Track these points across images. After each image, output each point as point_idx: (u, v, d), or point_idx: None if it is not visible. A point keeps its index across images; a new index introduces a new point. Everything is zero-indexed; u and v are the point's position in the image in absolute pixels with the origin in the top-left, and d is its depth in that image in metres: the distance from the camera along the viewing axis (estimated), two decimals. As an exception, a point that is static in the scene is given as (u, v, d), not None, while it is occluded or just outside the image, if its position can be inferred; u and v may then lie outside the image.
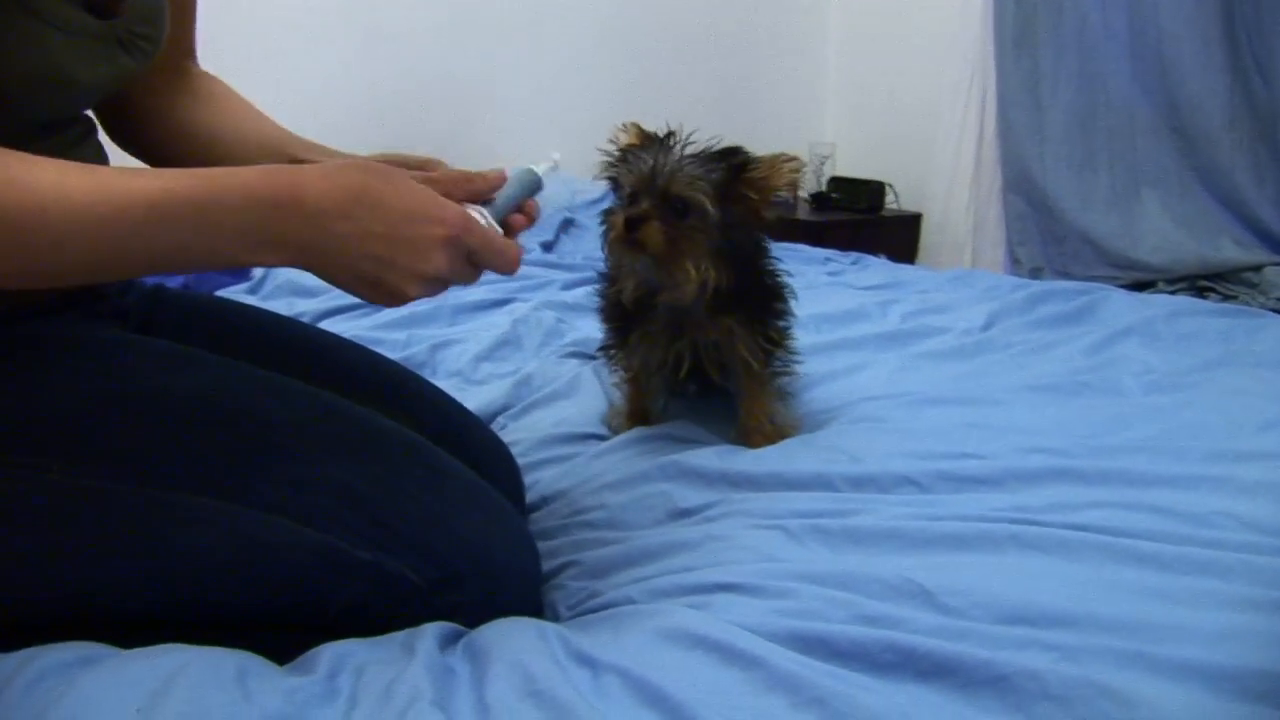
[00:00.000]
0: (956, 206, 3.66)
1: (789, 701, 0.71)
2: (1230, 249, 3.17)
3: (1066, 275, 3.32)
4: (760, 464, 1.22)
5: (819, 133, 4.34)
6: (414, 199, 0.81)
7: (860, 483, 1.15)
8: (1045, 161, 3.48)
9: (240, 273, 2.43)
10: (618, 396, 1.51)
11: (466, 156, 1.32)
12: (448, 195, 0.84)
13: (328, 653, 0.80)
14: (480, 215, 0.86)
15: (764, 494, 1.16)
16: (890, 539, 0.99)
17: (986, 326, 1.96)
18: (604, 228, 1.28)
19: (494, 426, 1.48)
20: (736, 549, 1.01)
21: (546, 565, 1.06)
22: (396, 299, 0.82)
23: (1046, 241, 3.52)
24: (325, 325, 2.01)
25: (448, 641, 0.84)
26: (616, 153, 1.30)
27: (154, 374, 0.90)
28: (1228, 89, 3.15)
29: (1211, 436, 1.26)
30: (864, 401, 1.48)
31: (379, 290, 0.82)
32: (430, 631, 0.84)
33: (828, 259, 2.84)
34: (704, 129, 1.28)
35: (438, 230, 0.80)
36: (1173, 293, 2.95)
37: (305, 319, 2.03)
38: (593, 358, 1.72)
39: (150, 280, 1.19)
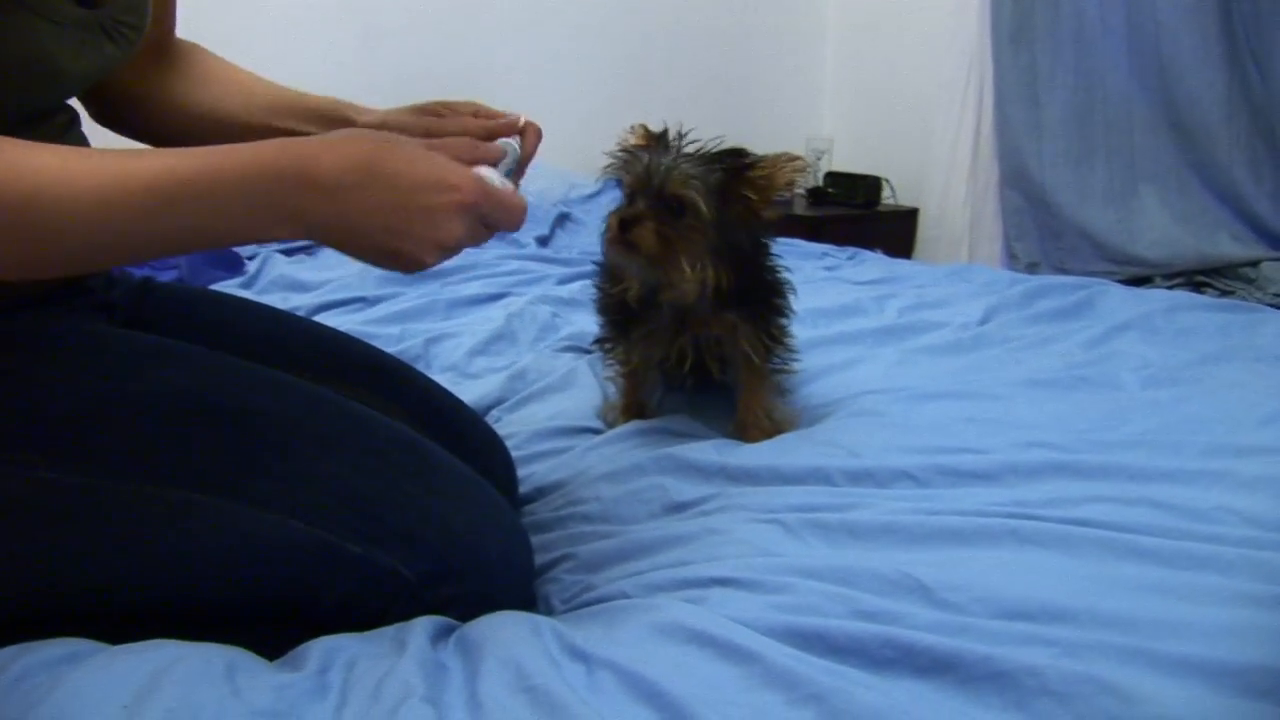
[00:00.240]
0: (953, 201, 3.66)
1: (785, 698, 0.70)
2: (1228, 244, 3.17)
3: (1063, 270, 3.32)
4: (757, 458, 1.22)
5: (816, 127, 4.34)
6: (426, 167, 0.80)
7: (858, 477, 1.14)
8: (1042, 156, 3.47)
9: (234, 266, 2.43)
10: (613, 390, 1.51)
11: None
12: (456, 159, 0.83)
13: (318, 648, 0.79)
14: (492, 176, 0.85)
15: (761, 488, 1.15)
16: (888, 534, 0.98)
17: (984, 321, 1.95)
18: (602, 228, 1.27)
19: (488, 420, 1.47)
20: (733, 543, 1.00)
21: (540, 558, 1.05)
22: (414, 267, 0.81)
23: (1044, 236, 3.51)
24: (319, 319, 2.00)
25: (439, 636, 0.83)
26: (621, 153, 1.29)
27: (142, 369, 0.89)
28: (1225, 84, 3.14)
29: (1210, 431, 1.26)
30: (861, 396, 1.48)
31: (397, 260, 0.81)
32: (422, 626, 0.83)
33: (824, 254, 2.83)
34: (701, 124, 1.27)
35: (453, 197, 0.79)
36: (1170, 288, 2.95)
37: (299, 313, 2.01)
38: (588, 351, 1.72)
39: (139, 273, 1.18)
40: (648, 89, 3.77)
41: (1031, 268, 3.43)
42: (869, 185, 3.90)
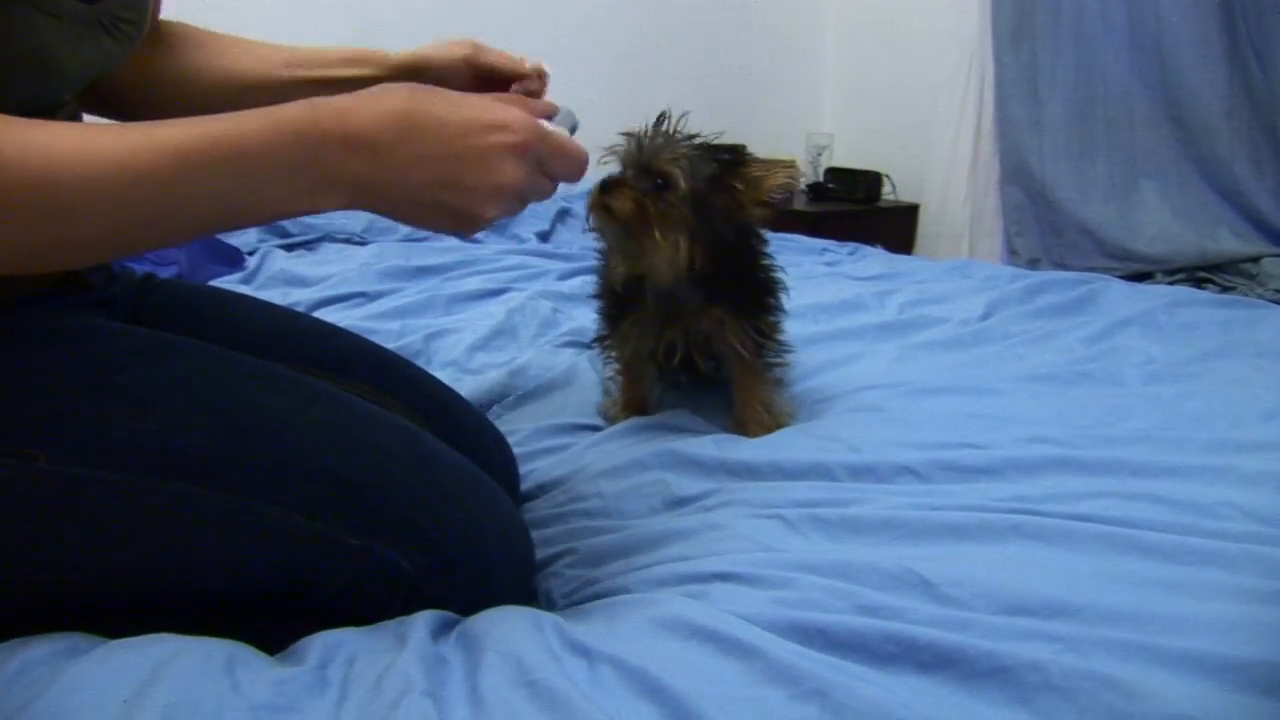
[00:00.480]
0: (954, 197, 3.66)
1: (788, 693, 0.70)
2: (1228, 240, 3.17)
3: (1064, 266, 3.32)
4: (758, 453, 1.21)
5: (817, 123, 4.34)
6: (470, 108, 0.75)
7: (859, 472, 1.14)
8: (1043, 152, 3.48)
9: (234, 262, 2.42)
10: (613, 387, 1.50)
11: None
12: None
13: (318, 642, 0.79)
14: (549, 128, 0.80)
15: (762, 483, 1.15)
16: (890, 529, 0.97)
17: (985, 317, 1.95)
18: (588, 195, 1.28)
19: (489, 415, 1.47)
20: (734, 538, 0.99)
21: (542, 553, 1.05)
22: (473, 223, 0.77)
23: (1044, 232, 3.52)
24: (319, 315, 1.98)
25: (440, 630, 0.83)
26: (621, 135, 1.29)
27: (140, 362, 0.88)
28: (1226, 80, 3.14)
29: (1213, 426, 1.26)
30: (862, 391, 1.48)
31: (455, 217, 0.76)
32: (422, 620, 0.82)
33: (825, 249, 2.83)
34: (702, 119, 1.28)
35: (504, 137, 0.75)
36: (1171, 284, 2.95)
37: (299, 309, 2.01)
38: (588, 347, 1.71)
39: (139, 269, 1.17)
40: (648, 85, 3.77)
41: (1032, 263, 3.44)
42: (870, 181, 3.90)
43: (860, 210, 3.86)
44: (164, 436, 0.84)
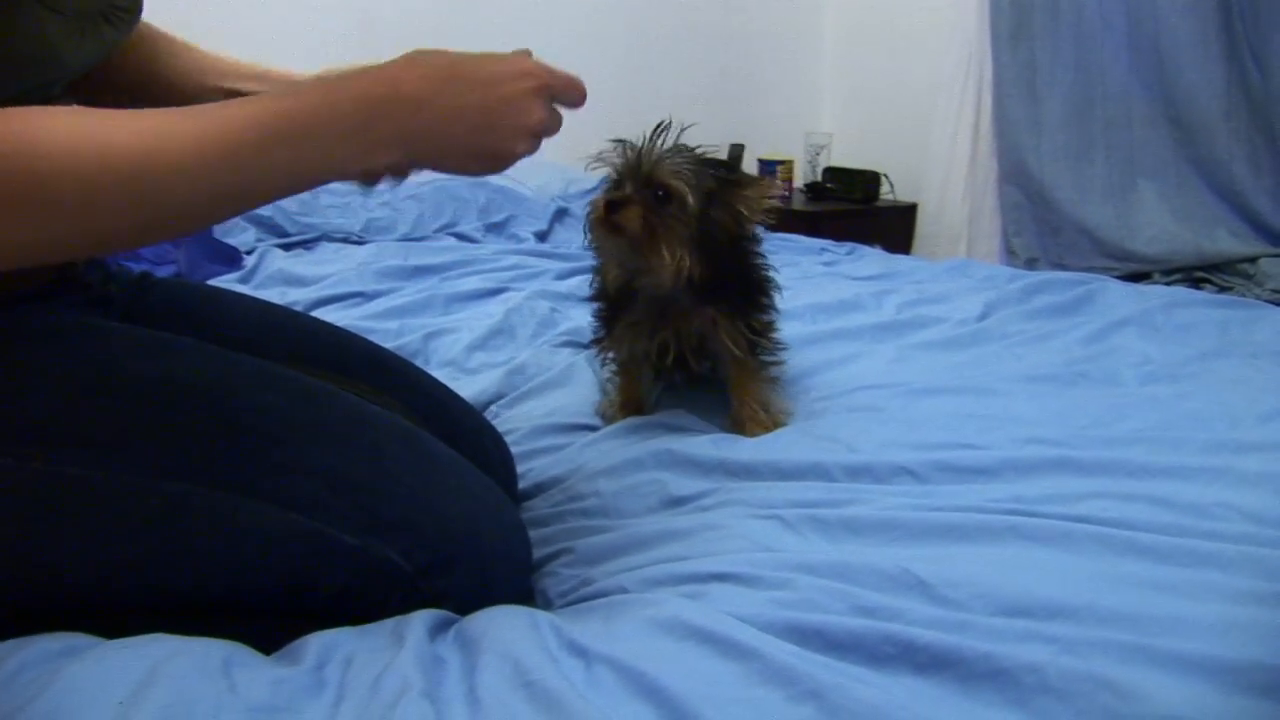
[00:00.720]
0: (952, 197, 3.66)
1: (785, 694, 0.70)
2: (1226, 240, 3.17)
3: (1062, 266, 3.32)
4: (756, 452, 1.21)
5: (815, 122, 4.34)
6: (494, 64, 0.84)
7: (857, 472, 1.14)
8: (1041, 152, 3.47)
9: (232, 261, 2.42)
10: (611, 387, 1.50)
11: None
12: None
13: (315, 642, 0.79)
14: None
15: (760, 483, 1.15)
16: (887, 529, 0.97)
17: (983, 317, 1.95)
18: (587, 210, 1.28)
19: (487, 415, 1.47)
20: (732, 538, 0.99)
21: (539, 552, 1.05)
22: (507, 160, 0.86)
23: (1042, 232, 3.52)
24: (317, 314, 1.98)
25: (438, 629, 0.83)
26: (611, 141, 1.29)
27: (136, 361, 0.89)
28: (1224, 80, 3.14)
29: (1210, 427, 1.25)
30: (860, 391, 1.48)
31: (491, 158, 0.85)
32: (420, 619, 0.82)
33: (823, 249, 2.83)
34: (700, 119, 1.28)
35: (528, 83, 0.84)
36: (1168, 284, 2.95)
37: (297, 308, 2.01)
38: (586, 347, 1.71)
39: (137, 268, 1.17)
40: (646, 85, 3.77)
41: (1030, 263, 3.44)
42: (868, 181, 3.90)
43: (858, 210, 3.86)
44: (161, 435, 0.84)
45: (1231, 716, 0.67)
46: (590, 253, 1.38)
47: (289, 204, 2.75)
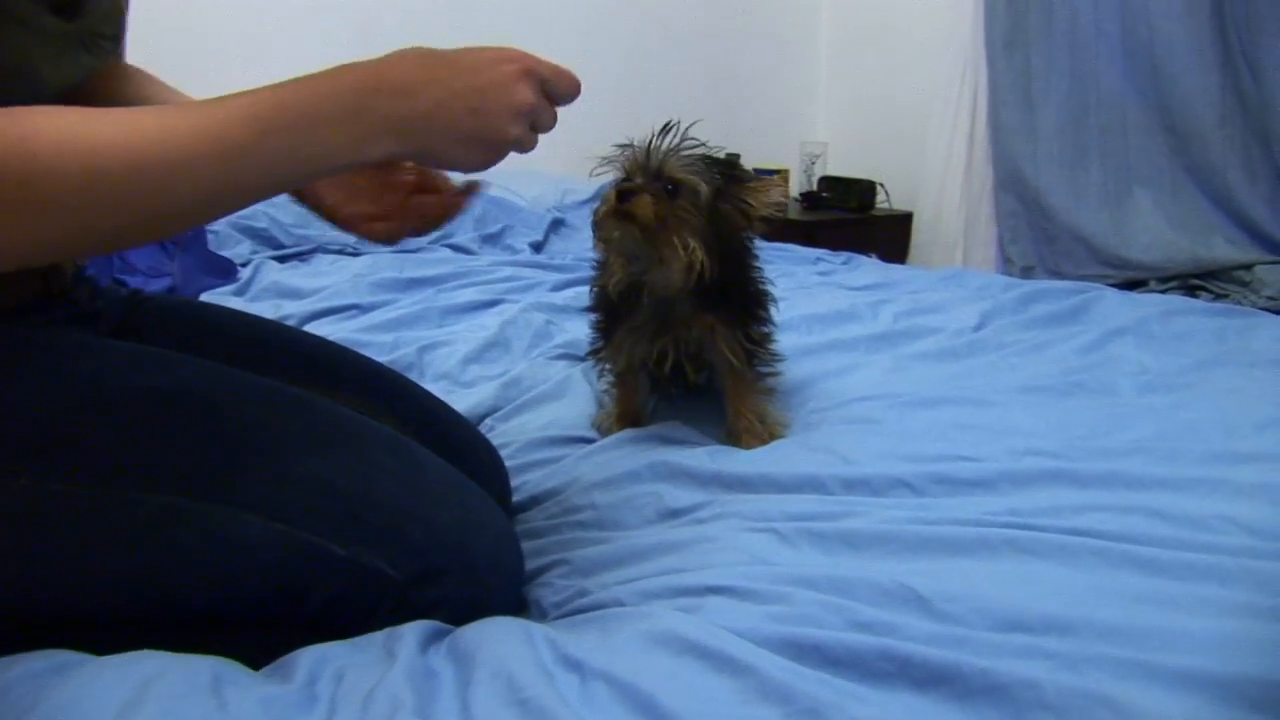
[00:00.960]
0: (948, 205, 3.66)
1: (781, 712, 0.69)
2: (1222, 247, 3.17)
3: (1058, 274, 3.32)
4: (752, 465, 1.21)
5: (810, 131, 4.35)
6: (479, 52, 0.86)
7: (853, 485, 1.13)
8: (1037, 160, 3.48)
9: (227, 273, 2.42)
10: (607, 399, 1.50)
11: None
12: None
13: (306, 657, 0.78)
14: None
15: (756, 495, 1.14)
16: (884, 543, 0.97)
17: (979, 327, 1.95)
18: (596, 204, 1.28)
19: (482, 428, 1.47)
20: (728, 551, 0.99)
21: (534, 563, 1.04)
22: (500, 145, 0.86)
23: (1038, 240, 3.51)
24: (312, 327, 1.99)
25: (430, 641, 0.82)
26: (618, 146, 1.29)
27: (122, 374, 0.88)
28: (1219, 87, 3.14)
29: (1208, 438, 1.25)
30: (856, 402, 1.47)
31: (485, 142, 0.85)
32: (411, 631, 0.82)
33: (819, 259, 2.83)
34: (696, 127, 1.27)
35: (512, 66, 0.85)
36: (1164, 291, 2.95)
37: (292, 321, 2.01)
38: (582, 359, 1.71)
39: (132, 281, 1.17)
40: (643, 94, 3.77)
41: (1026, 271, 3.44)
42: (863, 189, 3.90)
43: (854, 219, 3.86)
44: (147, 448, 0.84)
45: (1230, 732, 0.67)
46: (587, 261, 1.37)
47: (284, 216, 2.75)
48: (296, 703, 0.72)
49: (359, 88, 0.79)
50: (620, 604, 0.91)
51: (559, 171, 3.11)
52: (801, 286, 2.38)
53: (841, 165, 4.09)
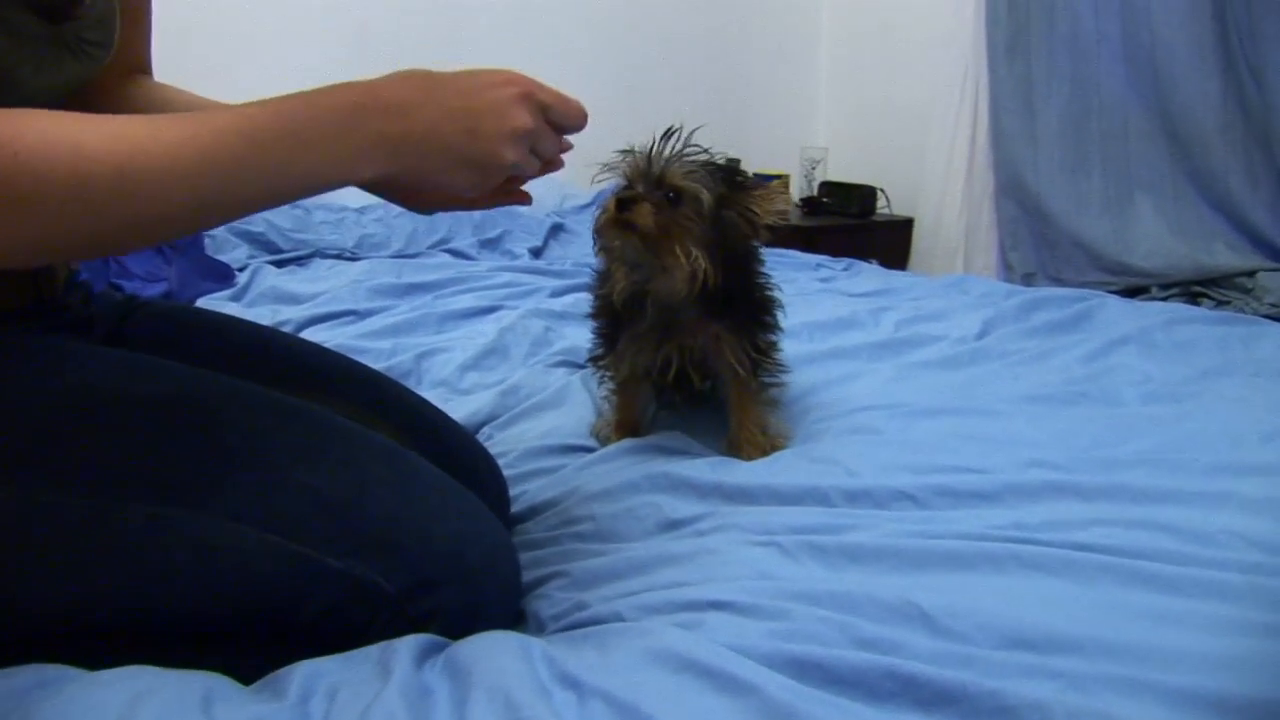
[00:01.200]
0: (949, 211, 3.65)
1: (783, 733, 0.68)
2: (1224, 254, 3.16)
3: (1059, 280, 3.32)
4: (753, 476, 1.20)
5: (811, 137, 4.34)
6: (477, 74, 0.84)
7: (856, 497, 1.12)
8: (1038, 166, 3.47)
9: (224, 278, 2.41)
10: (606, 407, 1.49)
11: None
12: None
13: (299, 674, 0.77)
14: None
15: (757, 507, 1.13)
16: (887, 557, 0.96)
17: (981, 335, 1.94)
18: (596, 213, 1.26)
19: (480, 437, 1.46)
20: (729, 564, 0.98)
21: (532, 575, 1.03)
22: (495, 169, 0.84)
23: (1039, 246, 3.51)
24: (309, 333, 1.99)
25: (425, 655, 0.81)
26: (618, 152, 1.28)
27: (113, 382, 0.87)
28: (1221, 93, 3.13)
29: (1214, 449, 1.24)
30: (858, 412, 1.46)
31: (479, 164, 0.84)
32: (406, 647, 0.80)
33: (819, 265, 2.82)
34: (697, 134, 1.26)
35: (511, 89, 0.84)
36: (1165, 299, 2.94)
37: (289, 326, 2.01)
38: (581, 367, 1.70)
39: (129, 286, 1.16)
40: (642, 99, 3.76)
41: (1027, 278, 3.43)
42: (864, 195, 3.89)
43: (855, 224, 3.85)
44: (138, 458, 0.82)
45: (1243, 755, 0.65)
46: (590, 271, 1.36)
47: (282, 220, 2.75)
48: (289, 721, 0.71)
49: (353, 106, 0.78)
50: (620, 618, 0.90)
51: (559, 176, 3.10)
52: (802, 293, 2.37)
53: (842, 170, 4.08)
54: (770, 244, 1.36)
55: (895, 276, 2.71)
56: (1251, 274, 3.08)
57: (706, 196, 1.21)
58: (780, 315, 1.41)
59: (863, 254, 3.02)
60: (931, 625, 0.81)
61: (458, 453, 1.16)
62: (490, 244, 2.92)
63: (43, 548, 0.80)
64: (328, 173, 0.79)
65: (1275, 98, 2.98)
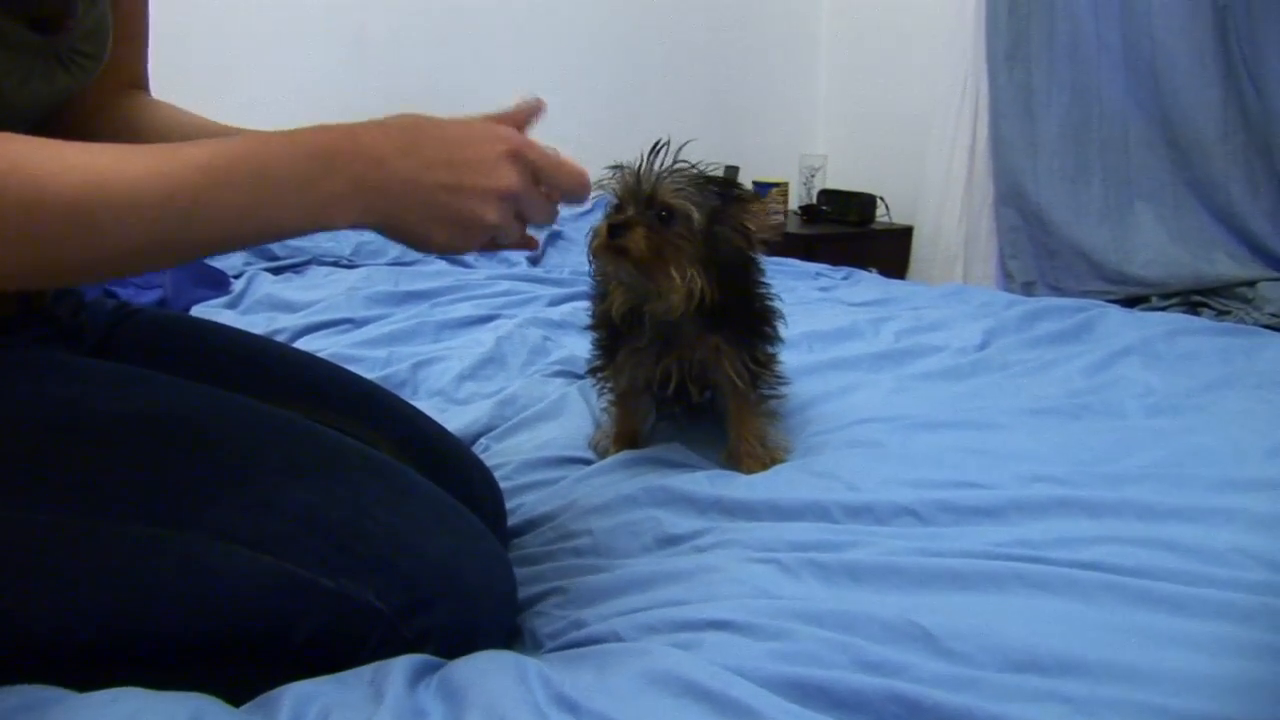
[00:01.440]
0: (948, 219, 3.64)
1: (784, 759, 0.67)
2: (1224, 263, 3.15)
3: (1059, 289, 3.30)
4: (753, 490, 1.18)
5: (810, 144, 4.33)
6: (467, 125, 0.81)
7: (857, 512, 1.11)
8: (1038, 174, 3.46)
9: (220, 285, 2.39)
10: (605, 419, 1.47)
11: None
12: None
13: (289, 696, 0.75)
14: None
15: (757, 523, 1.12)
16: (890, 575, 0.94)
17: (983, 345, 1.93)
18: (589, 236, 1.25)
19: (476, 448, 1.44)
20: (729, 582, 0.96)
21: (529, 591, 1.02)
22: (475, 228, 0.80)
23: (1039, 255, 3.50)
24: (304, 341, 1.98)
25: (419, 677, 0.79)
26: (610, 168, 1.27)
27: (104, 397, 0.86)
28: (1221, 101, 3.12)
29: (1218, 463, 1.22)
30: (859, 424, 1.45)
31: (457, 225, 0.80)
32: (400, 668, 0.79)
33: (819, 274, 2.81)
34: (696, 141, 1.25)
35: (498, 146, 0.80)
36: (1166, 308, 2.93)
37: (284, 334, 1.99)
38: (579, 377, 1.69)
39: (123, 292, 1.15)
40: (641, 107, 3.76)
41: (1027, 287, 3.42)
42: (863, 203, 3.88)
43: (854, 233, 3.84)
44: (129, 476, 0.81)
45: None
46: (588, 280, 1.35)
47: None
48: (279, 745, 0.70)
49: (329, 150, 0.75)
50: (618, 637, 0.88)
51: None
52: (802, 302, 2.36)
53: (841, 178, 4.07)
54: (769, 253, 1.35)
55: (895, 285, 2.70)
56: (1252, 284, 3.07)
57: (698, 215, 1.20)
58: (781, 326, 1.40)
59: (862, 262, 3.01)
60: (934, 646, 0.80)
61: (453, 466, 1.15)
62: (492, 255, 2.91)
63: (29, 567, 0.78)
64: (295, 218, 0.76)
65: (1276, 106, 2.97)
